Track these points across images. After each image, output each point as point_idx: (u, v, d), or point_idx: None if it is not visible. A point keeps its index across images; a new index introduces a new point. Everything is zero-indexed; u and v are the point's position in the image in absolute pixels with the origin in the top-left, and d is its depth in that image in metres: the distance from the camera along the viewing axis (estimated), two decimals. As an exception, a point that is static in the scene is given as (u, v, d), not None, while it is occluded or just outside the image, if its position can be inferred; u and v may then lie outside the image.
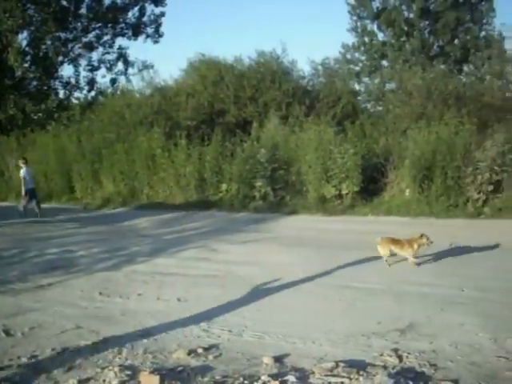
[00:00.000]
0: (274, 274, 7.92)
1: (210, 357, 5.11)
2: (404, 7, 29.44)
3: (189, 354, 5.15)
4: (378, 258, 8.40)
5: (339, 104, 18.24)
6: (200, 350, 5.23)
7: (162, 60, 47.15)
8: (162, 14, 28.41)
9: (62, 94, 28.17)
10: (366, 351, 5.13)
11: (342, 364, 4.74)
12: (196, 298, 6.94)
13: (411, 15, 29.45)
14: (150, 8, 28.18)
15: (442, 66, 23.91)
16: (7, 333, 5.97)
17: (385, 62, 30.17)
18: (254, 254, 9.24)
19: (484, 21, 29.83)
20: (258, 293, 7.07)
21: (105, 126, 18.73)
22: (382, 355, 5.00)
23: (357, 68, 29.07)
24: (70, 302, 7.00)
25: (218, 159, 15.44)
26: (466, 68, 28.54)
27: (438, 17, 29.24)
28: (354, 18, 30.46)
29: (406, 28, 29.17)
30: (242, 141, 15.74)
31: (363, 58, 29.99)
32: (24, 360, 5.24)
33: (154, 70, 22.70)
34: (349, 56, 29.79)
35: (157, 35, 28.58)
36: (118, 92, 25.11)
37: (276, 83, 18.25)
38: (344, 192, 14.06)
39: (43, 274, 8.58)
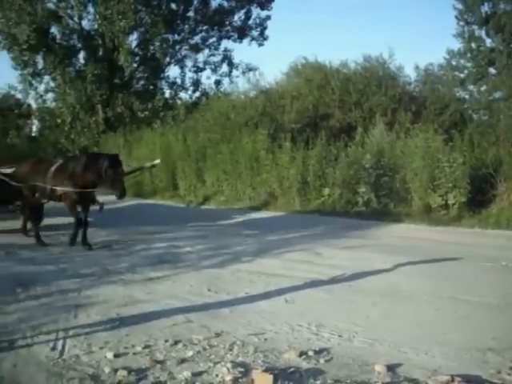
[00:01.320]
0: (380, 282, 7.80)
1: (321, 360, 5.06)
2: (515, 12, 28.34)
3: (300, 355, 5.12)
4: (489, 271, 8.08)
5: (446, 111, 17.74)
6: (311, 353, 5.18)
7: (267, 62, 47.52)
8: (268, 18, 28.73)
9: (167, 93, 29.05)
10: (482, 367, 4.92)
11: (458, 378, 4.56)
12: (303, 300, 6.91)
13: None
14: (255, 11, 28.58)
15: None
16: (122, 322, 6.16)
17: (492, 70, 29.20)
18: (359, 261, 9.10)
19: None
20: (365, 299, 6.95)
21: (210, 126, 19.09)
22: (499, 373, 4.78)
23: (462, 75, 28.18)
24: (180, 296, 7.13)
25: (321, 163, 15.37)
26: None
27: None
28: (461, 23, 29.57)
29: (516, 34, 28.06)
30: (346, 145, 15.62)
31: (469, 64, 29.11)
32: (138, 349, 5.38)
33: (260, 72, 23.06)
34: (454, 62, 28.91)
35: (262, 38, 28.93)
36: (222, 93, 25.60)
37: (382, 88, 17.98)
38: (450, 202, 13.65)
39: (152, 267, 8.81)
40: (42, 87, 28.02)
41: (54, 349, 5.42)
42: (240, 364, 4.96)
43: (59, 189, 10.33)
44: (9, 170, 11.83)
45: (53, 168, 10.70)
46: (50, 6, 25.89)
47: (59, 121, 27.23)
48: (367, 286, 7.59)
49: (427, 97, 18.69)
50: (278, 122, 18.21)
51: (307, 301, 6.88)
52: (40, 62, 26.74)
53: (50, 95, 28.65)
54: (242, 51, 49.55)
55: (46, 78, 27.70)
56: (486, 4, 28.55)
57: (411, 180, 14.13)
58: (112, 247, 10.50)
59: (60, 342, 5.58)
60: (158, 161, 11.63)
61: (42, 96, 28.21)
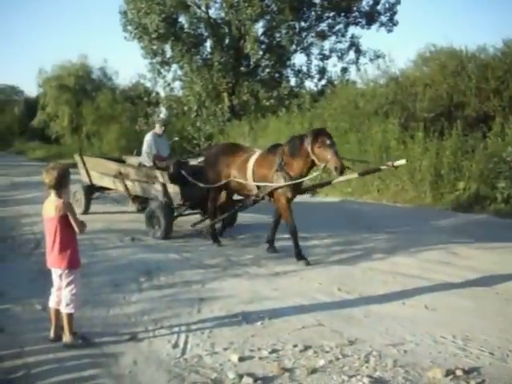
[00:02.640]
0: (532, 290, 6.93)
1: (472, 382, 4.42)
2: None
3: (446, 374, 4.50)
4: None
5: None
6: (459, 372, 4.54)
7: (395, 48, 46.01)
8: (398, 2, 27.48)
9: (293, 81, 28.63)
10: None
11: None
12: (445, 307, 6.20)
13: None
14: (385, -4, 27.46)
15: None
16: (247, 320, 5.78)
17: None
18: (503, 264, 8.17)
19: None
20: (518, 310, 6.16)
21: (337, 114, 18.41)
22: None
23: None
24: (308, 295, 6.65)
25: (456, 155, 14.29)
26: None
27: None
28: None
29: None
30: (484, 137, 14.46)
31: None
32: (265, 353, 4.98)
33: (390, 58, 21.90)
34: None
35: (391, 24, 27.71)
36: (349, 81, 24.84)
37: (525, 75, 16.51)
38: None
39: (277, 261, 8.41)
40: (169, 76, 28.52)
41: (175, 346, 5.17)
42: (378, 380, 4.45)
43: (273, 185, 8.51)
44: (195, 162, 11.24)
45: (252, 159, 8.97)
46: (179, -5, 26.18)
47: (186, 108, 27.60)
48: (517, 294, 6.74)
49: None
50: (409, 110, 17.21)
51: (450, 309, 6.17)
52: (168, 51, 27.18)
53: (177, 83, 29.13)
54: (369, 37, 48.35)
55: (174, 66, 28.16)
56: None
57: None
58: (236, 238, 10.20)
59: (182, 339, 5.33)
60: (402, 161, 8.46)
61: (169, 84, 28.68)
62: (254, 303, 6.34)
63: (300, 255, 8.36)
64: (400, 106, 17.40)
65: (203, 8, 26.47)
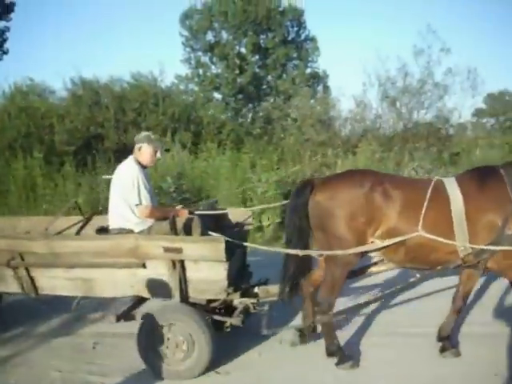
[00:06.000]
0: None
1: None
2: (236, 42, 30.64)
3: None
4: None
5: (224, 131, 17.37)
6: None
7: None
8: (7, 29, 25.14)
9: None
10: None
11: None
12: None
13: (243, 50, 30.73)
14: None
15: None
16: None
17: (217, 94, 30.62)
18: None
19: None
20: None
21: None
22: None
23: (190, 99, 29.16)
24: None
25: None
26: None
27: (268, 53, 31.14)
28: (188, 49, 31.22)
29: (238, 62, 30.25)
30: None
31: (197, 89, 30.64)
32: None
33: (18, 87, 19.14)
34: (182, 87, 30.18)
35: (0, 51, 25.16)
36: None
37: (160, 107, 16.75)
38: (265, 224, 13.13)
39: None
40: None
41: None
42: None
43: None
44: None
45: (456, 195, 4.72)
46: None
47: None
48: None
49: (203, 117, 17.99)
50: (46, 143, 15.56)
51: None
52: None
53: None
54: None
55: None
56: (209, 32, 30.39)
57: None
58: None
59: None
60: None
61: None
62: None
63: None
64: (36, 139, 15.61)
65: None
